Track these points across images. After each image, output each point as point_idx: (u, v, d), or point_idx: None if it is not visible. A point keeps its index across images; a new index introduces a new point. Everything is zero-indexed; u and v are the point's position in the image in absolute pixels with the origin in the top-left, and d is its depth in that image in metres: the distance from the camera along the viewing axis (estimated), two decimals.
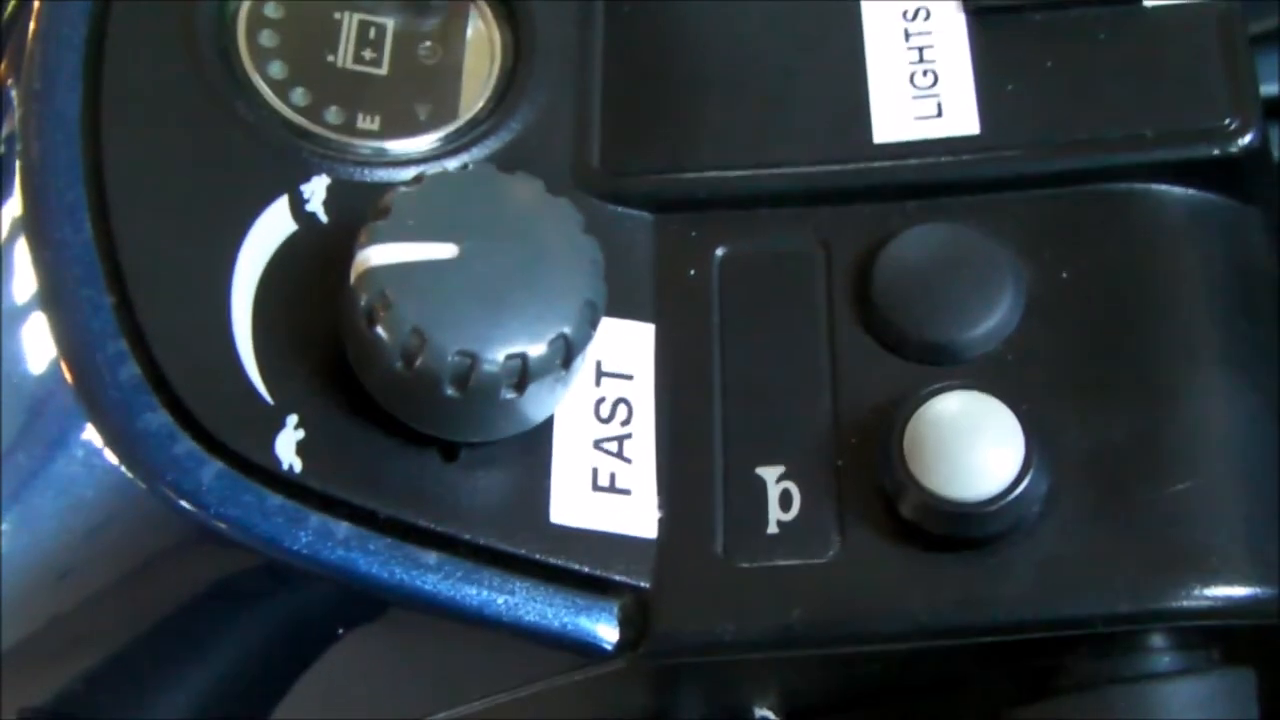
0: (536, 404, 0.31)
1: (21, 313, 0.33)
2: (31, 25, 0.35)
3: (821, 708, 0.33)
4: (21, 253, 0.33)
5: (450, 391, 0.30)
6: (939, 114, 0.34)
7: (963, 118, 0.34)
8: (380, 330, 0.30)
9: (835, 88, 0.35)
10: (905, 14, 0.35)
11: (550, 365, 0.30)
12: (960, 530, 0.31)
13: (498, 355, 0.30)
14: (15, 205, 0.34)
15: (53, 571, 0.34)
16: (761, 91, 0.35)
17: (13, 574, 0.34)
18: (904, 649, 0.31)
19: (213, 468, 0.31)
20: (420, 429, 0.32)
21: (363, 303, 0.30)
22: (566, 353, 0.31)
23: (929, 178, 0.34)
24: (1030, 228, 0.33)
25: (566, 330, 0.30)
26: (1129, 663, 0.31)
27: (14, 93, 0.35)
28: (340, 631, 0.33)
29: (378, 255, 0.31)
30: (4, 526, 0.34)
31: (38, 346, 0.33)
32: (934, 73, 0.35)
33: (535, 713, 0.33)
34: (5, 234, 0.34)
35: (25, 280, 0.33)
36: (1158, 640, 0.31)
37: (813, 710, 0.33)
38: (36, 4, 0.35)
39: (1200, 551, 0.31)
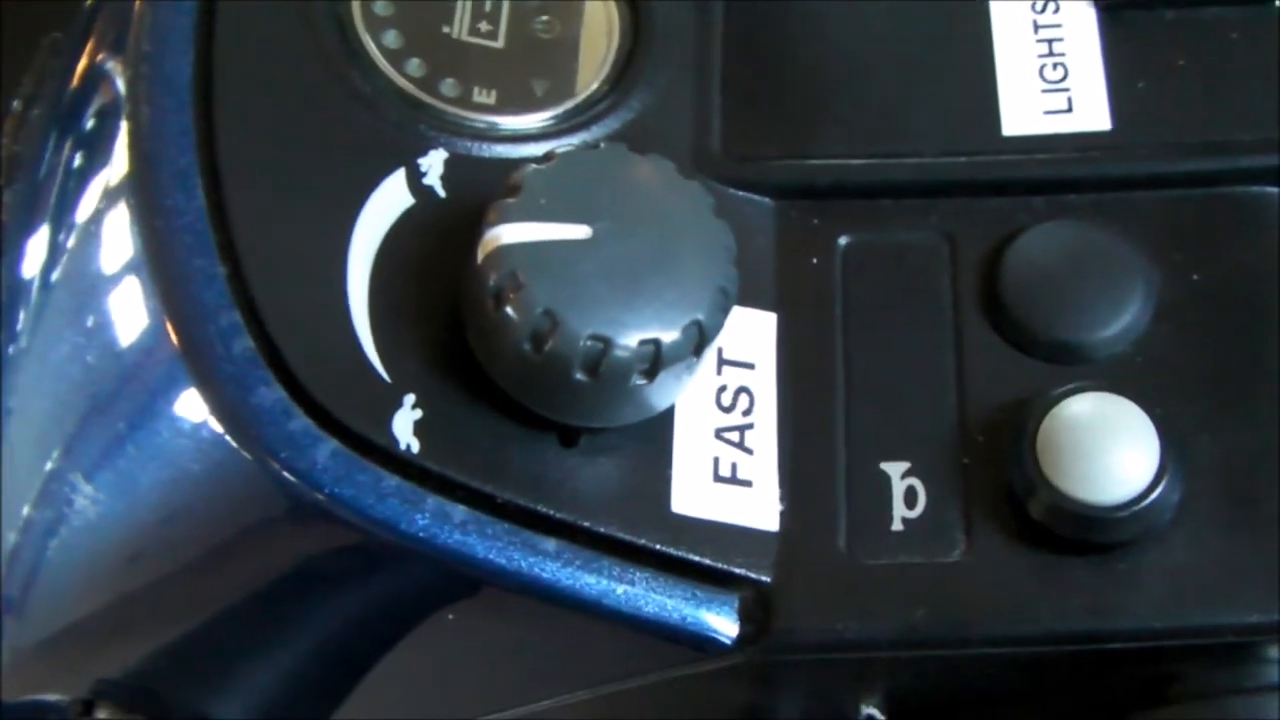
0: (663, 391, 0.31)
1: (126, 280, 0.32)
2: None
3: (930, 707, 0.33)
4: (128, 220, 0.32)
5: (580, 376, 0.30)
6: (1069, 109, 0.34)
7: (1094, 114, 0.34)
8: (510, 311, 0.29)
9: (962, 78, 0.34)
10: (1034, 5, 0.35)
11: (682, 353, 0.30)
12: (1092, 534, 0.30)
13: (631, 341, 0.29)
14: (120, 170, 0.33)
15: (147, 541, 0.33)
16: (886, 79, 0.35)
17: (104, 540, 0.34)
18: (1027, 653, 0.31)
19: (328, 446, 0.30)
20: (541, 413, 0.31)
21: (492, 282, 0.30)
22: (699, 340, 0.30)
23: (1059, 174, 0.33)
24: (1160, 229, 0.33)
25: (700, 317, 0.30)
26: (1251, 673, 0.31)
27: (114, 61, 0.34)
28: (444, 616, 0.32)
29: (509, 234, 0.30)
30: (98, 494, 0.33)
31: (143, 315, 0.32)
32: (1064, 66, 0.34)
33: (630, 706, 0.33)
34: (105, 201, 0.33)
35: (132, 247, 0.32)
36: None
37: (921, 709, 0.33)
38: None
39: None
